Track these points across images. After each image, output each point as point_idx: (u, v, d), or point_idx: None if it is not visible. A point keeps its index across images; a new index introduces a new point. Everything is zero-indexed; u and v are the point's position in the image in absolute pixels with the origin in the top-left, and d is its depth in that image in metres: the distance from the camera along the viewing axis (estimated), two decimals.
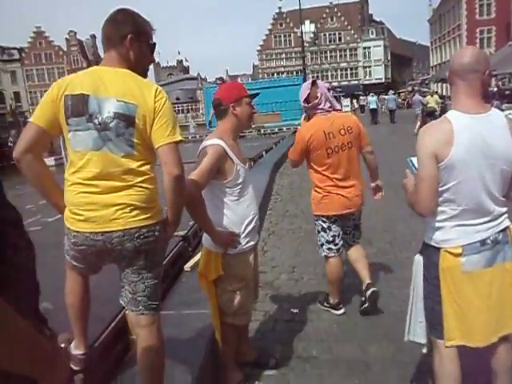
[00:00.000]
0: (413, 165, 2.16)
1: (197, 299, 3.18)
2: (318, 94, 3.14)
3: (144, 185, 1.83)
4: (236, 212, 2.33)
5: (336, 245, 3.34)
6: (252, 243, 2.44)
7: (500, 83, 21.54)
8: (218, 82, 9.98)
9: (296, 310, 3.47)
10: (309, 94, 3.16)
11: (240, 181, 2.31)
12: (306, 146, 3.18)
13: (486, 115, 1.83)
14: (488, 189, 1.83)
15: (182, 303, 3.19)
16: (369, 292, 3.25)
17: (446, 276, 1.87)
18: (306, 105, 3.19)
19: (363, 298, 3.31)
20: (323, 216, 3.32)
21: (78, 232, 1.81)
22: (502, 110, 10.93)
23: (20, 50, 61.83)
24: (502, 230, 1.88)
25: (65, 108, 1.79)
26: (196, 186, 2.12)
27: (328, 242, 3.34)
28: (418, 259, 2.04)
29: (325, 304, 3.47)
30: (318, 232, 3.40)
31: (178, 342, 2.69)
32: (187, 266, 3.88)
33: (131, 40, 1.88)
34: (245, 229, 2.36)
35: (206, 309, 2.89)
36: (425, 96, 18.06)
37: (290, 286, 4.00)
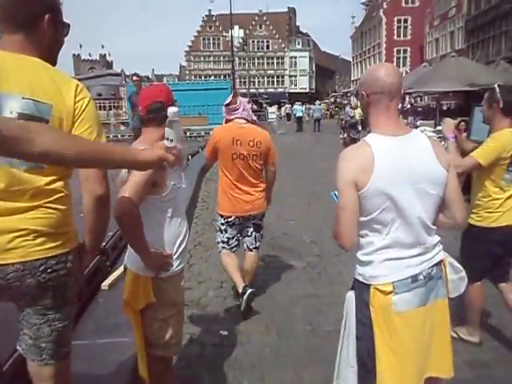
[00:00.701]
0: (337, 198, 2.04)
1: (115, 324, 2.82)
2: (238, 102, 3.47)
3: (54, 205, 1.48)
4: (169, 230, 2.06)
5: (229, 245, 3.64)
6: (183, 264, 2.19)
7: (413, 100, 23.14)
8: (134, 78, 9.06)
9: (225, 332, 3.24)
10: (230, 101, 3.50)
11: (173, 195, 2.05)
12: (215, 146, 3.47)
13: (407, 136, 1.69)
14: (418, 216, 1.66)
15: (98, 330, 2.82)
16: (245, 295, 3.41)
17: (378, 316, 1.68)
18: (225, 108, 3.52)
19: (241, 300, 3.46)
20: (223, 216, 3.60)
21: None
22: (417, 126, 11.63)
23: None
24: (436, 264, 1.72)
25: None
26: (132, 203, 1.81)
27: (222, 241, 3.66)
28: (350, 296, 1.81)
29: (235, 295, 3.71)
30: (218, 231, 3.72)
31: (91, 379, 2.34)
32: (105, 284, 3.49)
33: (50, 20, 1.50)
34: (177, 249, 2.10)
35: (126, 336, 2.57)
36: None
37: (218, 303, 3.76)
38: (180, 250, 2.11)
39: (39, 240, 1.45)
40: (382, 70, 1.71)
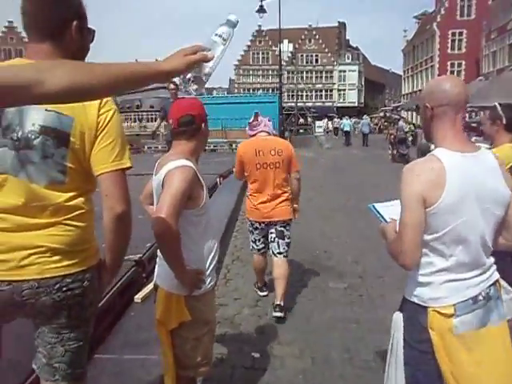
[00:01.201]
0: (378, 212, 1.90)
1: (145, 340, 2.76)
2: (259, 119, 3.84)
3: (74, 222, 1.43)
4: (203, 245, 1.99)
5: (257, 245, 3.93)
6: (215, 279, 2.12)
7: (467, 116, 22.19)
8: (171, 86, 8.34)
9: (257, 355, 3.09)
10: (253, 120, 3.86)
11: (206, 208, 1.99)
12: (240, 160, 3.78)
13: (476, 154, 1.61)
14: (482, 237, 1.59)
15: (127, 345, 2.76)
16: (274, 314, 3.65)
17: (438, 341, 1.58)
18: (248, 125, 3.90)
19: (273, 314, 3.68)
20: (250, 220, 3.91)
21: None
22: None
23: None
24: (493, 284, 1.65)
25: None
26: (171, 219, 1.75)
27: (252, 241, 3.96)
28: (398, 318, 1.73)
29: (254, 286, 4.21)
30: (249, 231, 4.00)
31: None
32: (138, 297, 3.45)
33: (76, 29, 1.44)
34: (209, 265, 2.02)
35: (154, 354, 2.49)
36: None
37: (252, 322, 3.62)
38: (212, 265, 2.03)
39: (56, 257, 1.39)
40: (448, 81, 1.66)
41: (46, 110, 1.37)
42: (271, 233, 3.81)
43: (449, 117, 1.61)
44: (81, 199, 1.45)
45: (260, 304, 3.97)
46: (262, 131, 3.80)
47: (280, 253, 3.79)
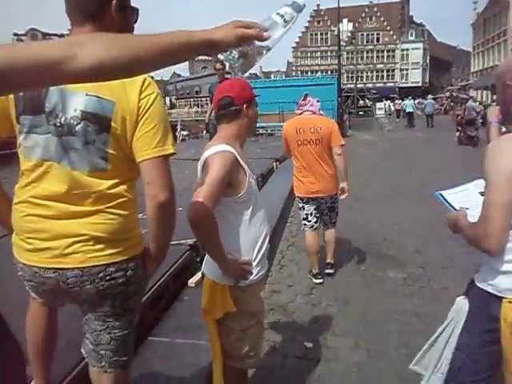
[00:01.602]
0: (446, 201, 1.75)
1: (197, 324, 2.75)
2: (307, 100, 4.03)
3: (116, 211, 1.40)
4: (247, 234, 1.89)
5: (309, 221, 4.06)
6: (264, 270, 2.01)
7: None
8: (218, 66, 8.29)
9: (310, 345, 3.01)
10: (302, 100, 4.06)
11: (252, 195, 1.88)
12: (285, 138, 4.04)
13: None
14: None
15: (179, 329, 2.78)
16: (326, 271, 4.17)
17: (509, 333, 1.47)
18: (297, 106, 4.10)
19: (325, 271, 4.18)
20: (298, 197, 4.11)
21: (24, 265, 1.41)
22: None
23: (60, 37, 62.92)
24: None
25: (15, 100, 1.37)
26: (207, 205, 1.67)
27: (303, 218, 4.10)
28: (462, 304, 1.63)
29: (309, 274, 4.18)
30: (299, 209, 4.20)
31: (164, 378, 2.30)
32: (191, 281, 3.47)
33: (116, 8, 1.38)
34: (257, 254, 1.92)
35: (205, 339, 2.48)
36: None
37: (306, 311, 3.53)
38: (259, 256, 1.93)
39: (99, 246, 1.38)
40: None
41: (87, 94, 1.34)
42: (322, 209, 4.08)
43: None
44: (123, 187, 1.42)
45: (314, 292, 3.87)
46: (306, 110, 3.99)
47: (331, 223, 4.14)
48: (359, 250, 4.91)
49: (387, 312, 3.43)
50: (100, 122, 1.35)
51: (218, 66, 6.33)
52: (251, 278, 1.90)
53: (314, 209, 4.03)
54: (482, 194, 1.66)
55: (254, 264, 1.91)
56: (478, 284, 1.58)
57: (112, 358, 1.48)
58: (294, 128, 3.95)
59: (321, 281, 4.06)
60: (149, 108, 1.37)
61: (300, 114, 4.04)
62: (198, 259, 3.96)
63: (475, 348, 1.57)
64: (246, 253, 1.89)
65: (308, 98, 4.05)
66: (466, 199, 1.70)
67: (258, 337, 2.03)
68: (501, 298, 1.49)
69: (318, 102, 4.07)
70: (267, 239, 1.99)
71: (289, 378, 2.69)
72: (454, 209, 1.72)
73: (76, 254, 1.36)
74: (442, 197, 1.79)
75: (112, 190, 1.39)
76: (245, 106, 1.93)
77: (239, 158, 1.83)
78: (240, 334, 1.93)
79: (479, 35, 50.03)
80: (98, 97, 1.34)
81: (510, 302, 1.47)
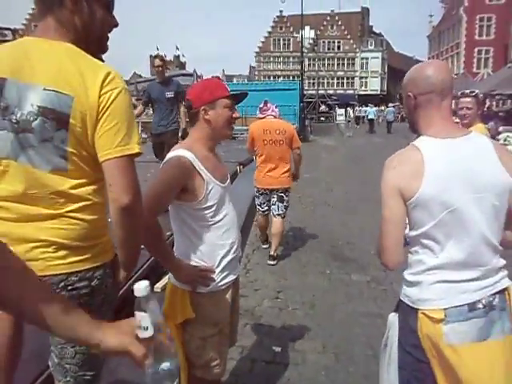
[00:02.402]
0: None
1: None
2: (268, 105, 4.68)
3: (79, 215, 1.31)
4: (208, 241, 1.83)
5: (262, 208, 4.84)
6: (230, 279, 1.93)
7: (494, 104, 21.49)
8: (157, 62, 7.47)
9: (278, 349, 3.01)
10: (263, 106, 4.71)
11: (212, 202, 1.81)
12: (251, 136, 4.63)
13: (465, 138, 1.46)
14: (479, 231, 1.41)
15: None
16: (268, 262, 4.67)
17: (429, 346, 1.44)
18: (259, 110, 4.73)
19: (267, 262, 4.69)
20: (256, 187, 4.81)
21: None
22: (499, 133, 10.65)
23: (14, 31, 60.12)
24: (499, 292, 1.45)
25: None
26: (148, 210, 1.59)
27: (258, 205, 4.87)
28: (393, 319, 1.61)
29: (259, 240, 5.17)
30: (255, 197, 4.92)
31: None
32: (157, 286, 3.40)
33: None
34: (220, 262, 1.86)
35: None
36: None
37: (273, 315, 3.53)
38: (224, 263, 1.88)
39: (60, 253, 1.29)
40: (431, 67, 1.52)
41: (45, 88, 1.25)
42: (273, 198, 4.71)
43: (433, 104, 1.49)
44: (87, 189, 1.32)
45: (281, 296, 3.88)
46: (269, 115, 4.65)
47: (278, 214, 4.71)
48: (323, 253, 4.98)
49: (353, 315, 3.49)
50: (57, 117, 1.25)
51: (157, 62, 5.46)
52: (213, 284, 1.85)
53: (267, 200, 4.78)
54: None
55: (217, 271, 1.85)
56: (400, 297, 1.56)
57: (77, 372, 1.40)
58: (261, 129, 4.57)
59: (267, 246, 4.99)
60: (110, 104, 1.27)
61: (263, 117, 4.66)
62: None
63: (412, 364, 1.50)
64: (208, 259, 1.84)
65: (268, 104, 4.70)
66: None
67: (221, 347, 1.94)
68: (416, 309, 1.47)
69: (276, 107, 4.72)
70: (235, 247, 1.94)
71: (258, 382, 2.68)
72: None
73: (35, 262, 1.26)
74: None
75: (74, 191, 1.30)
76: (203, 108, 1.84)
77: (196, 164, 1.76)
78: (200, 342, 1.86)
79: (434, 47, 52.21)
80: (55, 91, 1.25)
81: (422, 313, 1.44)
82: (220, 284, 1.88)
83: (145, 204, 1.56)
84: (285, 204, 4.71)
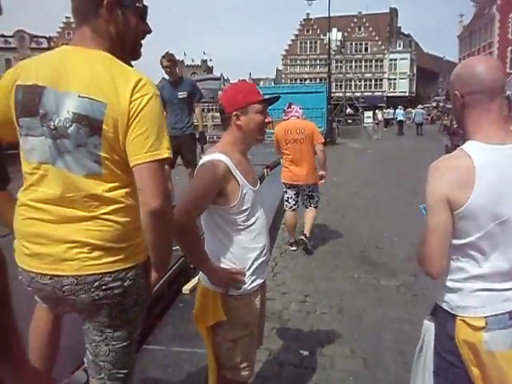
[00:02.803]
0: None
1: (194, 332, 2.70)
2: (292, 107, 5.07)
3: (112, 217, 1.35)
4: (240, 244, 1.86)
5: (289, 203, 5.11)
6: (259, 282, 1.95)
7: None
8: (164, 62, 7.52)
9: (306, 353, 3.00)
10: (287, 107, 5.12)
11: (246, 206, 1.83)
12: (276, 137, 5.03)
13: None
14: None
15: (175, 337, 2.76)
16: (299, 237, 5.09)
17: (466, 353, 1.43)
18: (284, 112, 5.16)
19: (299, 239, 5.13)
20: (283, 182, 5.15)
21: (23, 269, 1.38)
22: None
23: (49, 39, 62.12)
24: None
25: (15, 103, 1.34)
26: (186, 214, 1.63)
27: (285, 200, 5.16)
28: (429, 325, 1.58)
29: (286, 244, 5.22)
30: (284, 192, 5.23)
31: None
32: (186, 288, 3.45)
33: (110, 6, 1.35)
34: (251, 265, 1.88)
35: (201, 347, 2.46)
36: None
37: (301, 319, 3.52)
38: (254, 266, 1.89)
39: (94, 254, 1.34)
40: (480, 64, 1.43)
41: (79, 96, 1.30)
42: (302, 195, 5.11)
43: (482, 105, 1.41)
44: (121, 192, 1.36)
45: (308, 300, 3.87)
46: (292, 116, 5.02)
47: (310, 206, 5.09)
48: (352, 257, 4.93)
49: (382, 320, 3.44)
50: (91, 124, 1.30)
51: (165, 62, 5.20)
52: (244, 287, 1.86)
53: (295, 194, 5.08)
54: None
55: (248, 274, 1.87)
56: (437, 301, 1.54)
57: (111, 370, 1.44)
58: (283, 130, 4.98)
59: (295, 248, 5.12)
60: (141, 110, 1.31)
61: (287, 119, 5.06)
62: (192, 265, 3.94)
63: (448, 370, 1.50)
64: (239, 262, 1.86)
65: (292, 106, 5.09)
66: None
67: (251, 348, 1.97)
68: (454, 315, 1.45)
69: (300, 109, 5.09)
70: (265, 250, 1.95)
71: None
72: None
73: (71, 262, 1.32)
74: (425, 209, 1.77)
75: (108, 194, 1.34)
76: (234, 114, 1.84)
77: (232, 168, 1.78)
78: (231, 344, 1.88)
79: (465, 47, 50.99)
80: (89, 98, 1.30)
81: (462, 319, 1.43)
82: (250, 287, 1.89)
83: (183, 208, 1.63)
84: (315, 199, 5.09)
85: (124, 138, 1.32)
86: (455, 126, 15.38)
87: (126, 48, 1.43)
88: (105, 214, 1.34)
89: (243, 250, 1.87)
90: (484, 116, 1.42)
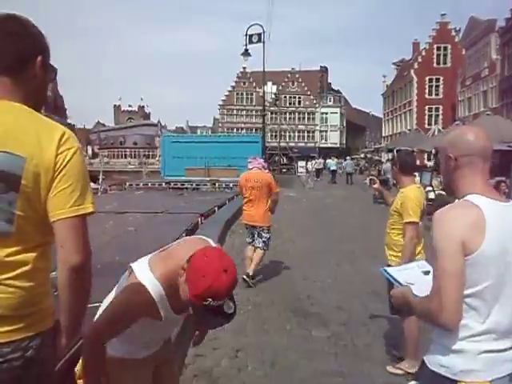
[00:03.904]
0: (391, 276, 1.71)
1: None
2: (255, 159, 6.21)
3: (16, 282, 1.23)
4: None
5: (248, 239, 6.06)
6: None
7: None
8: (178, 129, 8.49)
9: None
10: (252, 159, 6.17)
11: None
12: (240, 184, 6.18)
13: (508, 204, 1.47)
14: None
15: None
16: (243, 276, 5.46)
17: None
18: (249, 162, 6.19)
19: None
20: (243, 223, 6.33)
21: None
22: None
23: None
24: None
25: None
26: (97, 335, 1.51)
27: (247, 236, 6.14)
28: None
29: (244, 276, 5.60)
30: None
31: None
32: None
33: (41, 64, 1.34)
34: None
35: None
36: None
37: (231, 376, 3.39)
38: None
39: None
40: (470, 133, 1.54)
41: None
42: (254, 233, 5.92)
43: (476, 165, 1.49)
44: (31, 254, 1.25)
45: (240, 355, 3.75)
46: (254, 167, 6.02)
47: (258, 247, 5.89)
48: (284, 308, 4.90)
49: (313, 374, 3.40)
50: (7, 179, 1.21)
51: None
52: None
53: (251, 232, 5.96)
54: (425, 273, 1.67)
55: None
56: (431, 367, 1.43)
57: None
58: (244, 179, 6.03)
59: (247, 279, 5.61)
60: (66, 164, 1.26)
61: (251, 168, 6.04)
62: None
63: None
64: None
65: (256, 158, 6.32)
66: (410, 276, 1.67)
67: None
68: (456, 381, 1.37)
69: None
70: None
71: None
72: (400, 284, 1.65)
73: None
74: (387, 272, 1.75)
75: (13, 258, 1.22)
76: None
77: (159, 304, 1.57)
78: None
79: (388, 104, 55.38)
80: (6, 152, 1.22)
81: None
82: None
83: (97, 327, 1.52)
84: (263, 239, 5.89)
85: (46, 193, 1.25)
86: (382, 177, 16.36)
87: (40, 102, 1.40)
88: (7, 279, 1.22)
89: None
90: (478, 174, 1.49)
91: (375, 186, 4.24)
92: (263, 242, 5.86)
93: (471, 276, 1.35)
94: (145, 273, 1.58)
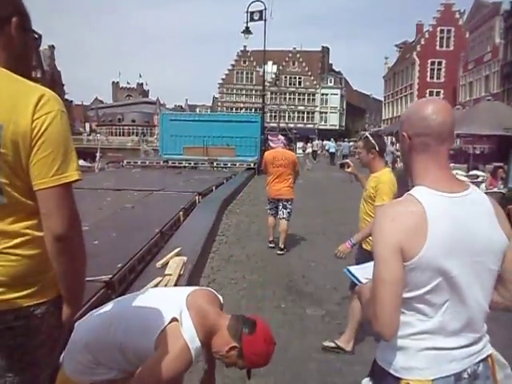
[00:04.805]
0: (353, 276, 1.65)
1: None
2: (278, 137, 7.07)
3: (18, 251, 1.23)
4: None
5: (271, 210, 6.81)
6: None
7: None
8: (177, 108, 8.47)
9: None
10: (273, 137, 7.09)
11: None
12: (264, 161, 6.87)
13: (465, 194, 1.32)
14: (474, 297, 1.31)
15: None
16: (277, 252, 6.44)
17: None
18: (271, 141, 7.18)
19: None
20: (268, 197, 6.87)
21: None
22: None
23: None
24: (483, 360, 1.34)
25: None
26: None
27: (269, 209, 6.85)
28: None
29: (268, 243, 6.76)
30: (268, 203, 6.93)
31: None
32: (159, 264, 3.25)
33: (17, 25, 1.29)
34: None
35: None
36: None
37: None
38: None
39: None
40: (429, 106, 1.34)
41: None
42: (279, 205, 6.62)
43: (430, 149, 1.33)
44: (26, 223, 1.25)
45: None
46: (278, 146, 6.81)
47: (283, 217, 6.57)
48: (279, 287, 4.95)
49: (307, 351, 3.46)
50: None
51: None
52: None
53: (275, 206, 6.68)
54: None
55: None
56: (379, 362, 1.39)
57: None
58: (271, 156, 6.71)
59: (273, 245, 6.63)
60: (45, 130, 1.19)
61: (275, 147, 6.85)
62: (114, 297, 3.74)
63: None
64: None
65: (279, 136, 7.15)
66: (370, 273, 1.55)
67: None
68: (398, 378, 1.31)
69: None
70: None
71: None
72: (360, 282, 1.57)
73: None
74: (350, 272, 1.68)
75: (10, 227, 1.22)
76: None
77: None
78: None
79: (389, 87, 54.97)
80: None
81: (407, 383, 1.30)
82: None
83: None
84: (288, 210, 6.58)
85: (27, 161, 1.21)
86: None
87: (22, 68, 1.32)
88: (7, 248, 1.23)
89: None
90: (431, 160, 1.33)
91: (349, 169, 4.11)
92: (288, 212, 6.55)
93: (412, 280, 1.26)
94: (194, 340, 1.71)
